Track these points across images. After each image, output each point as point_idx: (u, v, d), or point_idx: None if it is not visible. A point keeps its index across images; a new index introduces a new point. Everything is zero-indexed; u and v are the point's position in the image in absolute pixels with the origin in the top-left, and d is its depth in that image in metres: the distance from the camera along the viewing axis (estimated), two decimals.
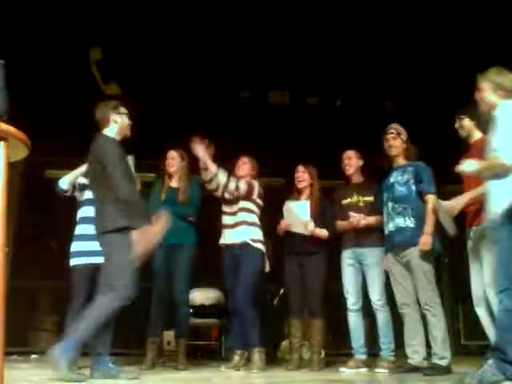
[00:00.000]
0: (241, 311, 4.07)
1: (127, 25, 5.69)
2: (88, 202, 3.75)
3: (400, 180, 3.92)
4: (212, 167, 4.11)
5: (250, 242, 4.16)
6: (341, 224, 4.31)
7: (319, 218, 4.31)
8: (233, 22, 5.71)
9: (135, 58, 6.02)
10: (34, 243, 5.76)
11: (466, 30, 5.43)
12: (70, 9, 5.40)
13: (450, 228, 3.48)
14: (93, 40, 6.02)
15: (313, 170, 4.46)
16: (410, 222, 3.83)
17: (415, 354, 3.81)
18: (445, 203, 3.51)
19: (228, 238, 4.26)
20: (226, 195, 4.27)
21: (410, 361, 3.82)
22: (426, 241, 3.73)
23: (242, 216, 4.23)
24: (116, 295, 3.12)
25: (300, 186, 4.44)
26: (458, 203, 3.43)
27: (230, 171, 4.36)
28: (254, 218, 4.28)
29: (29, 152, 2.20)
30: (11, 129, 2.01)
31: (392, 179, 3.99)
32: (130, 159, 4.20)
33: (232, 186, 4.15)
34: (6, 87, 2.11)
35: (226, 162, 4.49)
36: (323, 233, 4.27)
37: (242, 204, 4.25)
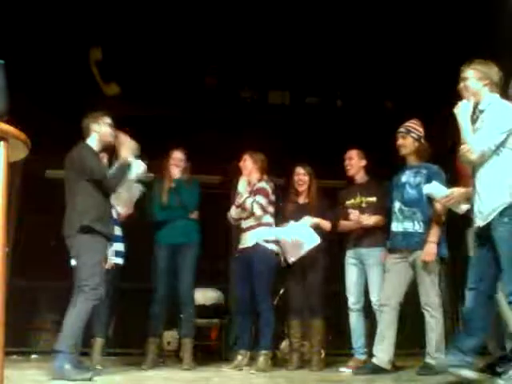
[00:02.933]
0: (262, 312, 4.10)
1: (127, 25, 5.68)
2: None
3: (412, 182, 3.85)
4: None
5: (263, 244, 4.19)
6: (343, 224, 4.31)
7: (318, 217, 4.31)
8: (233, 22, 5.71)
9: (135, 58, 6.02)
10: (34, 243, 5.76)
11: (465, 30, 5.43)
12: (70, 9, 5.40)
13: (458, 208, 3.47)
14: (93, 40, 6.02)
15: (310, 170, 4.46)
16: (418, 227, 3.77)
17: (382, 353, 3.75)
18: (444, 192, 3.50)
19: (244, 240, 4.28)
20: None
21: (374, 359, 3.76)
22: (429, 251, 3.67)
23: (258, 219, 4.25)
24: (86, 296, 3.34)
25: (301, 188, 4.44)
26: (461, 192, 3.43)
27: (232, 171, 4.39)
28: (269, 219, 4.31)
29: (29, 152, 2.20)
30: (11, 129, 2.01)
31: (404, 179, 3.91)
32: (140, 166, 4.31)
33: (258, 212, 4.20)
34: (6, 87, 2.12)
35: (225, 161, 4.50)
36: (326, 224, 4.29)
37: None
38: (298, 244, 4.15)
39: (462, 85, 3.04)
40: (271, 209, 4.33)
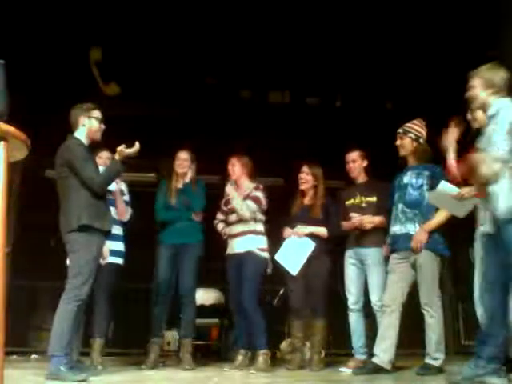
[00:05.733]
0: (248, 314, 4.11)
1: (127, 25, 5.68)
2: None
3: (414, 183, 3.84)
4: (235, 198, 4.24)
5: (256, 251, 4.20)
6: (343, 224, 4.30)
7: (323, 220, 4.30)
8: (233, 22, 5.71)
9: (135, 58, 6.02)
10: (34, 243, 5.77)
11: (465, 30, 5.43)
12: (70, 9, 5.40)
13: (459, 212, 3.47)
14: (93, 40, 6.02)
15: (318, 170, 4.41)
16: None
17: (382, 353, 3.73)
18: (454, 191, 3.50)
19: (234, 247, 4.29)
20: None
21: (374, 359, 3.73)
22: (419, 236, 3.67)
23: (249, 225, 4.26)
24: (68, 296, 3.27)
25: (302, 187, 4.42)
26: (466, 191, 3.42)
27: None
28: (261, 227, 4.32)
29: (29, 152, 2.20)
30: (11, 129, 2.01)
31: (406, 180, 3.90)
32: (124, 186, 4.35)
33: (246, 214, 4.20)
34: (6, 88, 2.12)
35: (225, 162, 4.49)
36: (321, 232, 4.27)
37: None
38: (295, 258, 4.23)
39: (469, 93, 3.06)
40: (261, 216, 4.33)
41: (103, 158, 4.31)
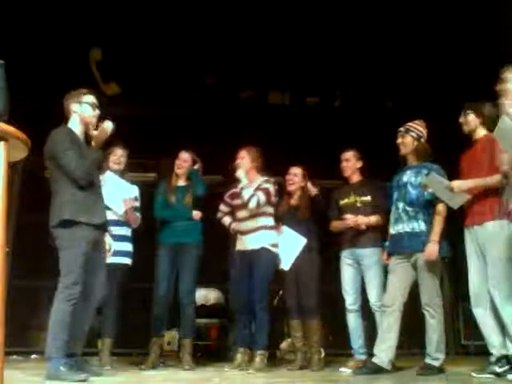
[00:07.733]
0: (257, 313, 4.09)
1: (127, 25, 5.69)
2: None
3: (413, 181, 3.83)
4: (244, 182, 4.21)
5: (269, 248, 4.19)
6: (337, 224, 4.31)
7: (311, 223, 4.32)
8: (233, 22, 5.71)
9: (135, 58, 6.02)
10: (34, 243, 5.76)
11: (466, 29, 5.43)
12: (70, 9, 5.41)
13: (452, 202, 3.47)
14: (93, 41, 6.02)
15: (303, 172, 4.43)
16: (423, 227, 3.75)
17: (382, 353, 3.73)
18: (445, 181, 3.53)
19: (247, 243, 4.25)
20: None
21: (374, 359, 3.74)
22: (432, 250, 3.64)
23: (261, 221, 4.23)
24: (61, 296, 3.17)
25: (290, 188, 4.43)
26: (461, 183, 3.46)
27: (230, 170, 4.37)
28: (272, 222, 4.30)
29: (29, 152, 2.20)
30: (11, 129, 2.01)
31: (405, 179, 3.89)
32: (136, 191, 4.41)
33: (253, 204, 4.14)
34: (6, 87, 2.12)
35: (225, 162, 4.50)
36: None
37: (262, 209, 4.23)
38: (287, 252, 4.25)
39: (500, 86, 3.04)
40: (271, 210, 4.29)
41: (117, 156, 4.30)
